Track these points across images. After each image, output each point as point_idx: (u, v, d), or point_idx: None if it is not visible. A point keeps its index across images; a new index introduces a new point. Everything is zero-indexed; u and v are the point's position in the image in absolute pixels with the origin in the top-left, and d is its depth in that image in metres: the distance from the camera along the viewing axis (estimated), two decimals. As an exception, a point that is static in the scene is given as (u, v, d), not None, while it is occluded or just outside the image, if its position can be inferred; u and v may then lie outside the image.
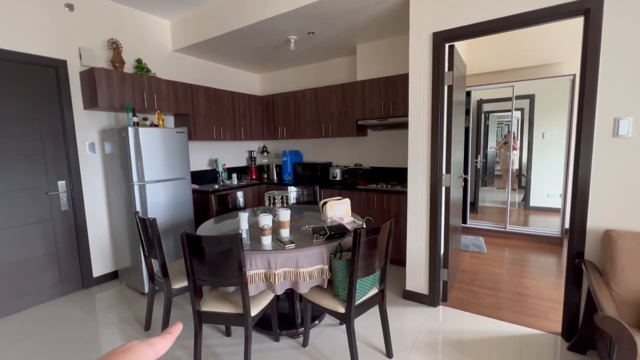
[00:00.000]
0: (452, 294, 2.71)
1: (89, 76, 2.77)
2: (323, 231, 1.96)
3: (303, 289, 1.78)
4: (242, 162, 4.77)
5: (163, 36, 3.56)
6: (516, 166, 6.24)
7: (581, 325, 1.93)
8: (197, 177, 3.99)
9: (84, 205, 2.97)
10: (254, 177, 4.65)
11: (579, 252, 1.97)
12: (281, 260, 1.76)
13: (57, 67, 2.75)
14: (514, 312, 2.42)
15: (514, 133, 6.29)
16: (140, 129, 2.74)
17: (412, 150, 2.52)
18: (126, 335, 2.25)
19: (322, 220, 2.38)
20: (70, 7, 2.79)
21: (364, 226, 2.20)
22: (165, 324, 2.09)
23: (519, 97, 4.31)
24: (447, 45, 2.34)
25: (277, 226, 1.98)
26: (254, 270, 1.75)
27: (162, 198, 2.94)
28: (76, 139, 2.89)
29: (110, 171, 2.97)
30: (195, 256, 1.67)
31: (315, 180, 4.08)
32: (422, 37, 2.36)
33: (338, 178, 3.99)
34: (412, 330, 2.22)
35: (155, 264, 2.32)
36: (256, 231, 2.05)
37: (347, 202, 2.43)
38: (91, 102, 2.81)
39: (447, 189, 2.48)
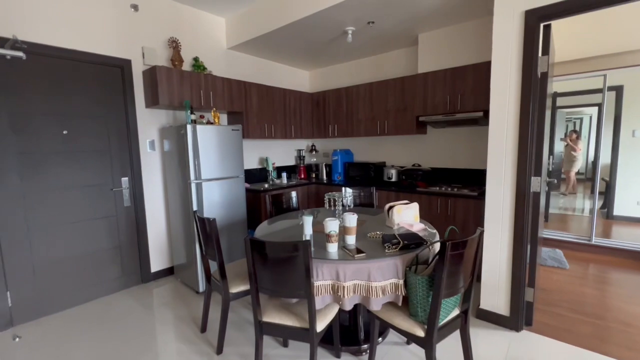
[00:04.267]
0: (536, 317, 2.33)
1: (151, 75, 2.81)
2: (395, 240, 1.73)
3: (375, 305, 1.57)
4: (291, 161, 4.67)
5: (218, 34, 3.56)
6: (577, 168, 5.50)
7: None
8: (248, 175, 3.96)
9: (144, 201, 3.03)
10: (303, 176, 4.53)
11: None
12: (350, 272, 1.56)
13: (123, 67, 2.82)
14: (623, 346, 1.99)
15: (578, 132, 5.53)
16: (198, 127, 2.72)
17: (494, 149, 2.19)
18: (183, 336, 2.21)
19: (387, 226, 2.15)
20: (135, 7, 2.85)
21: (439, 236, 1.93)
22: (223, 330, 2.00)
23: (600, 90, 3.69)
24: (542, 25, 1.98)
25: (341, 232, 1.79)
26: (321, 281, 1.58)
27: (217, 196, 2.91)
28: (138, 137, 2.95)
29: (169, 169, 3.00)
30: (259, 262, 1.54)
31: (368, 181, 3.84)
32: (511, 16, 2.02)
33: (393, 179, 3.71)
34: (494, 358, 1.91)
35: (213, 264, 2.25)
36: (319, 237, 1.89)
37: (415, 206, 2.18)
38: (152, 100, 2.85)
39: (536, 195, 2.12)
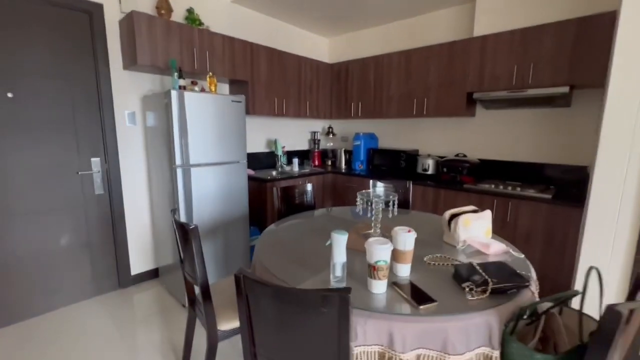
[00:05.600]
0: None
1: (128, 24, 2.13)
2: (477, 276, 1.08)
3: (453, 393, 0.93)
4: (303, 145, 4.00)
5: (220, -19, 2.83)
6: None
7: None
8: (252, 160, 3.32)
9: (122, 189, 2.42)
10: (317, 163, 3.87)
11: None
12: (413, 335, 0.92)
13: (92, 13, 2.15)
14: None
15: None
16: (187, 94, 2.06)
17: (610, 138, 1.48)
18: (156, 377, 1.63)
19: (445, 243, 1.49)
20: None
21: (532, 268, 1.26)
22: (207, 382, 1.40)
23: None
24: None
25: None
26: (362, 346, 0.94)
27: (211, 187, 2.28)
28: (113, 107, 2.31)
29: (152, 149, 2.36)
30: (260, 314, 0.91)
31: (397, 173, 3.16)
32: None
33: (430, 171, 3.02)
34: None
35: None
36: (351, 258, 1.25)
37: (488, 216, 1.51)
38: (130, 59, 2.19)
39: (672, 207, 1.43)
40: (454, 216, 1.49)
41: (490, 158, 2.88)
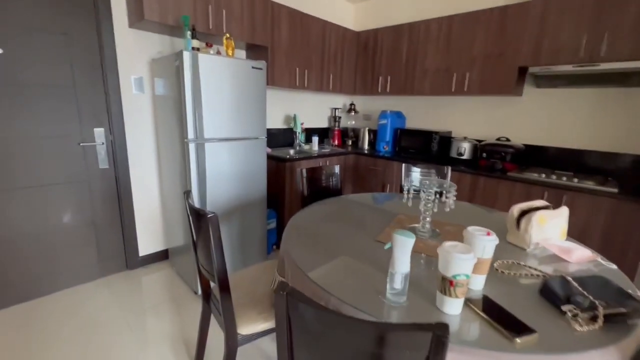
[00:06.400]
0: None
1: (133, -30, 1.82)
2: (579, 297, 0.83)
3: None
4: (323, 123, 3.70)
5: None
6: None
7: None
8: (269, 137, 3.05)
9: (128, 162, 2.20)
10: (337, 142, 3.59)
11: None
12: (508, 377, 0.69)
13: (92, -43, 1.84)
14: None
15: None
16: (201, 56, 1.78)
17: None
18: (167, 376, 1.46)
19: (510, 244, 1.24)
20: None
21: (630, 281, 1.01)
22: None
23: None
24: None
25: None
26: (435, 387, 0.71)
27: (226, 165, 2.04)
28: (118, 70, 2.04)
29: (162, 120, 2.11)
30: (307, 345, 0.68)
31: (427, 156, 2.87)
32: None
33: (465, 156, 2.72)
34: None
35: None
36: (420, 272, 1.01)
37: (565, 214, 1.24)
38: (136, 14, 1.90)
39: None
40: (524, 213, 1.22)
41: (537, 144, 2.56)
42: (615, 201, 1.86)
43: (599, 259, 1.12)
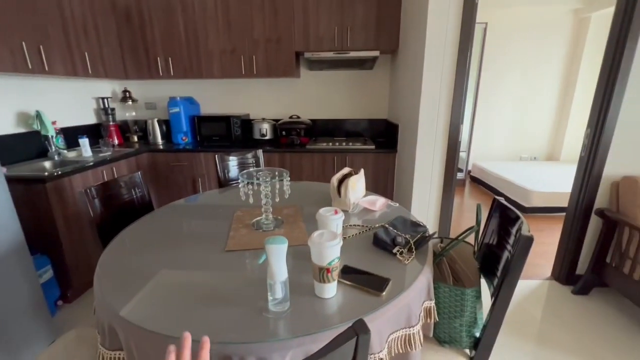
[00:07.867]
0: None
1: None
2: (399, 238, 1.09)
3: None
4: (89, 118, 2.81)
5: None
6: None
7: (591, 268, 1.94)
8: (-3, 149, 2.00)
9: None
10: (118, 141, 2.86)
11: (589, 200, 1.93)
12: (384, 327, 0.82)
13: None
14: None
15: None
16: None
17: (426, 96, 1.85)
18: None
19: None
20: None
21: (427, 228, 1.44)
22: None
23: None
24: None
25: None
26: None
27: None
28: None
29: None
30: None
31: (233, 141, 2.82)
32: None
33: (268, 136, 2.89)
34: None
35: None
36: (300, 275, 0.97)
37: (362, 174, 1.58)
38: None
39: (457, 144, 2.01)
40: (342, 181, 1.45)
41: (318, 117, 3.07)
42: (374, 154, 2.56)
43: (390, 202, 1.53)
